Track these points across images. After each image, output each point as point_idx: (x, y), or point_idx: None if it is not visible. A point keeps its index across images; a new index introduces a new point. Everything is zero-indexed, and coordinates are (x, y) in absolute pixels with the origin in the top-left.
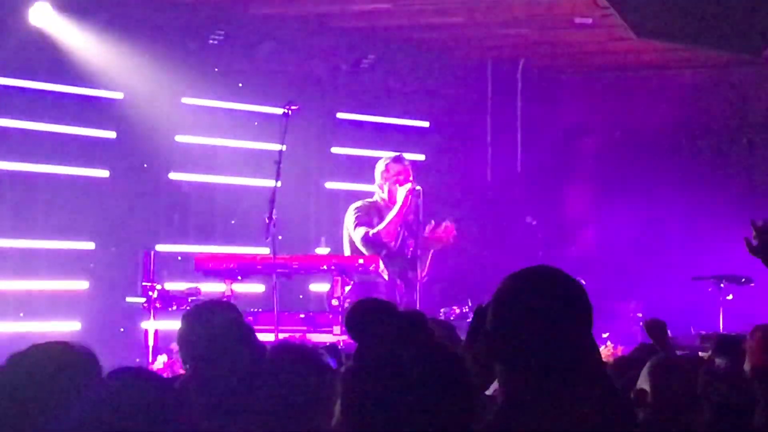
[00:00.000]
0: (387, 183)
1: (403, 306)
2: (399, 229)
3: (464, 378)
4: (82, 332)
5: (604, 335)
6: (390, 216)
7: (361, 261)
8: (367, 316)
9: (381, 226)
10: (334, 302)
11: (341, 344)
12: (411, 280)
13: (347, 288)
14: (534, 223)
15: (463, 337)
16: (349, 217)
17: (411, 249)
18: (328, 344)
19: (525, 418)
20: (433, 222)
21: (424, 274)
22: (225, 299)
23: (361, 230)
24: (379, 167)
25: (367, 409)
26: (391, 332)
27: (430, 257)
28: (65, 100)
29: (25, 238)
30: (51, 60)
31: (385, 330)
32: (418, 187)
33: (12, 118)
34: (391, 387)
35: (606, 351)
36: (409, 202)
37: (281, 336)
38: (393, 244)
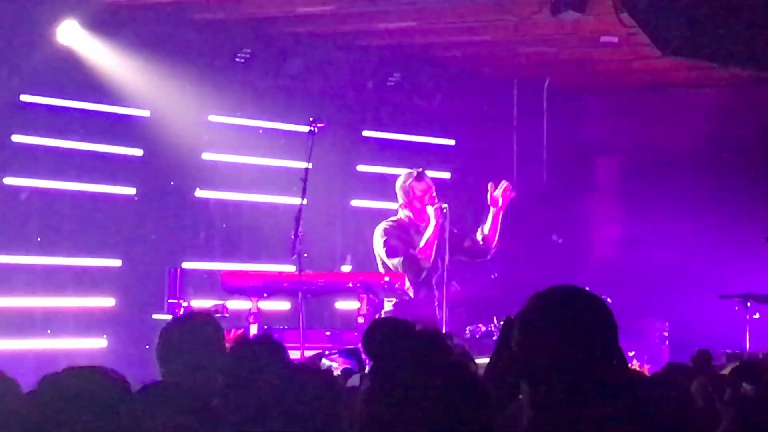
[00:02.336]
0: (411, 201)
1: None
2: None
3: (482, 398)
4: (108, 349)
5: (631, 354)
6: (426, 237)
7: (386, 279)
8: (384, 336)
9: (419, 249)
10: (360, 320)
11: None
12: (439, 299)
13: (388, 307)
14: (560, 241)
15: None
16: (378, 242)
17: (439, 268)
18: (350, 347)
19: None
20: (491, 184)
21: (496, 242)
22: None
23: (398, 259)
24: (402, 186)
25: (384, 426)
26: (408, 353)
27: (500, 222)
28: (92, 118)
29: (52, 255)
30: (78, 78)
31: (402, 350)
32: (444, 206)
33: (39, 135)
34: (407, 408)
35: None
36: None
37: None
38: (429, 264)
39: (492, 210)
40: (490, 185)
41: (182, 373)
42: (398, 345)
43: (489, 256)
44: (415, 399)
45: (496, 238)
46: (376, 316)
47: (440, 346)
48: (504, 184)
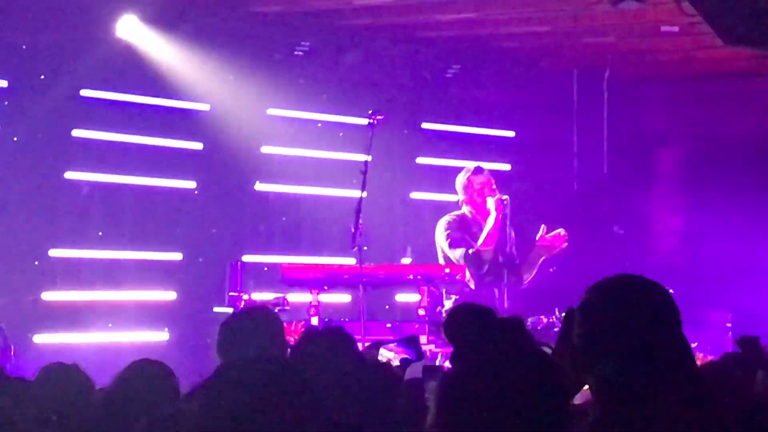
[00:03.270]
0: (472, 196)
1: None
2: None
3: (559, 384)
4: (170, 342)
5: (693, 345)
6: (487, 229)
7: (447, 270)
8: (465, 320)
9: (480, 242)
10: (421, 312)
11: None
12: (500, 290)
13: (451, 300)
14: (621, 232)
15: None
16: (440, 234)
17: (500, 259)
18: (408, 337)
19: (622, 428)
20: (544, 227)
21: (529, 279)
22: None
23: (460, 250)
24: (461, 181)
25: (464, 411)
26: (490, 337)
27: (539, 264)
28: (152, 112)
29: (113, 249)
30: (138, 72)
31: (483, 335)
32: (505, 197)
33: (100, 130)
34: (488, 391)
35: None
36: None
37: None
38: (491, 256)
39: (537, 251)
40: (543, 228)
41: None
42: (480, 331)
43: (521, 287)
44: (497, 384)
45: (531, 277)
46: (437, 310)
47: (522, 333)
48: (559, 231)
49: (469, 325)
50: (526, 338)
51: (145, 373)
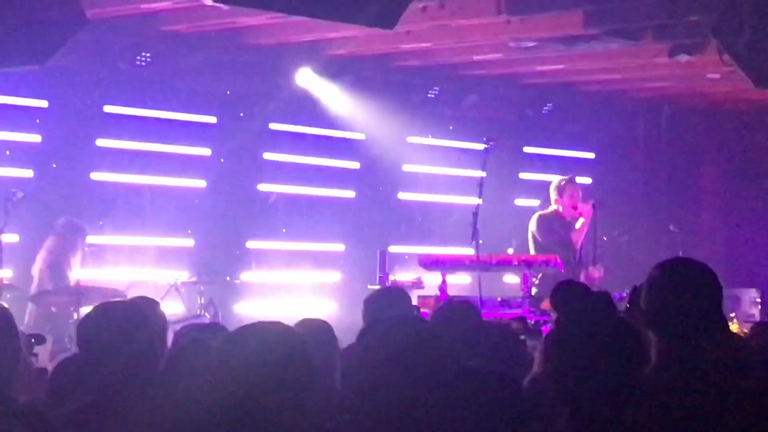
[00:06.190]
0: (564, 199)
1: None
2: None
3: (638, 341)
4: (337, 312)
5: (732, 315)
6: (579, 227)
7: (543, 258)
8: (569, 293)
9: (574, 236)
10: (523, 290)
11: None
12: (581, 273)
13: (535, 280)
14: (676, 230)
15: None
16: (535, 224)
17: (579, 252)
18: (518, 316)
19: (674, 374)
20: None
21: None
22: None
23: (553, 240)
24: (558, 186)
25: (565, 363)
26: (587, 306)
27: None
28: (322, 140)
29: (292, 240)
30: (311, 109)
31: (583, 304)
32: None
33: (282, 152)
34: (586, 346)
35: (734, 327)
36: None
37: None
38: (578, 248)
39: (581, 220)
40: (579, 204)
41: None
42: (581, 301)
43: (576, 255)
44: (593, 341)
45: (581, 240)
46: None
47: (611, 304)
48: (590, 202)
49: (571, 297)
50: (613, 308)
51: (314, 326)
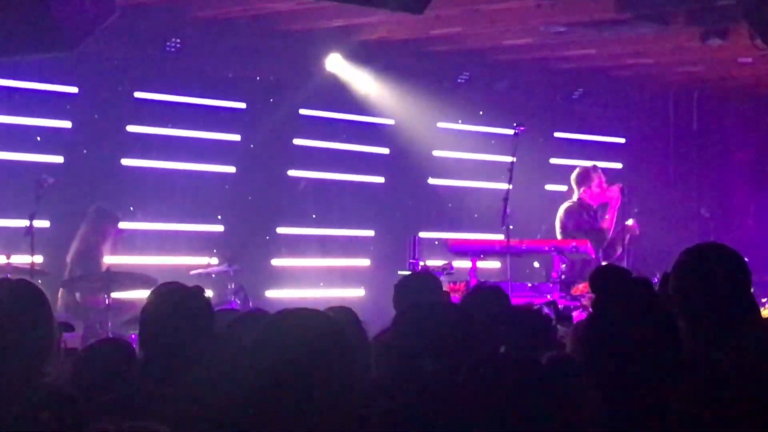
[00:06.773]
0: (591, 186)
1: None
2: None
3: (674, 324)
4: (365, 298)
5: (764, 300)
6: (609, 213)
7: (573, 244)
8: (608, 276)
9: (605, 222)
10: (554, 275)
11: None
12: (614, 258)
13: (563, 265)
14: (707, 214)
15: None
16: (564, 216)
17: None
18: (549, 300)
19: (703, 362)
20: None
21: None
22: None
23: (584, 228)
24: (582, 175)
25: (601, 345)
26: (626, 289)
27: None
28: (352, 125)
29: (322, 226)
30: (341, 95)
31: (620, 288)
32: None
33: (312, 138)
34: (625, 328)
35: (765, 312)
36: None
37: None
38: (610, 235)
39: (609, 205)
40: (606, 187)
41: None
42: (619, 284)
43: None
44: (630, 327)
45: (612, 226)
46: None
47: (650, 290)
48: (618, 185)
49: (611, 280)
50: (653, 293)
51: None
